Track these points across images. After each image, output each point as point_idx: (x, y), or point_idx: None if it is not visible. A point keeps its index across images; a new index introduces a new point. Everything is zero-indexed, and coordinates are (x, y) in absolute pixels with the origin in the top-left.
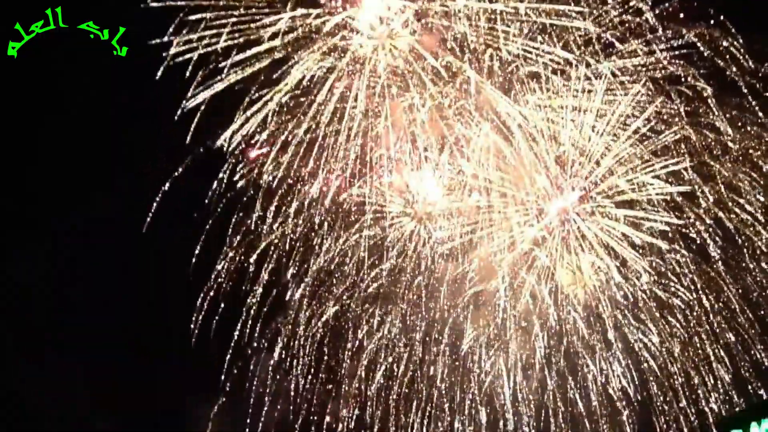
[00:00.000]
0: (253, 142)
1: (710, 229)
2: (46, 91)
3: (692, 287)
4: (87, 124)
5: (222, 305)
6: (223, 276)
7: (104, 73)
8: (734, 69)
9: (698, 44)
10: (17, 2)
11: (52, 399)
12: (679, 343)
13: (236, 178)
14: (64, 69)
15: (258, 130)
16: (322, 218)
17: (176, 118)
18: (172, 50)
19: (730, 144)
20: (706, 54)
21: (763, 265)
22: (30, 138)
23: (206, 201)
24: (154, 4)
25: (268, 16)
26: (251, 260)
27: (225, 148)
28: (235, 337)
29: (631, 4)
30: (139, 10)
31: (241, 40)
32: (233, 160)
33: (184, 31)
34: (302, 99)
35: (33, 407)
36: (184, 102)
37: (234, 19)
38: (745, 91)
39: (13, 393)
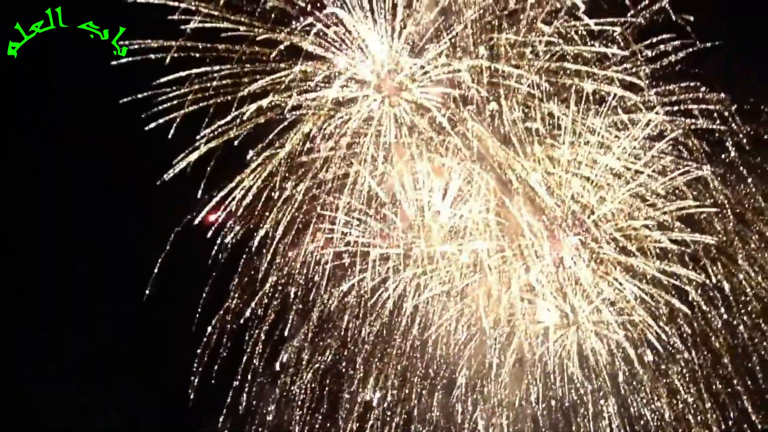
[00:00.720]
0: (214, 206)
1: (701, 279)
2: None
3: (683, 336)
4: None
5: (226, 341)
6: (229, 316)
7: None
8: (723, 127)
9: (688, 102)
10: (17, 2)
11: None
12: (669, 391)
13: (235, 231)
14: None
15: (265, 183)
16: (326, 262)
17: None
18: (190, 97)
19: (720, 198)
20: (695, 112)
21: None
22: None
23: (214, 247)
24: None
25: (274, 72)
26: (255, 302)
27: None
28: (239, 373)
29: (629, 64)
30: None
31: (248, 90)
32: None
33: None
34: (309, 147)
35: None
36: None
37: (231, 72)
38: (732, 149)
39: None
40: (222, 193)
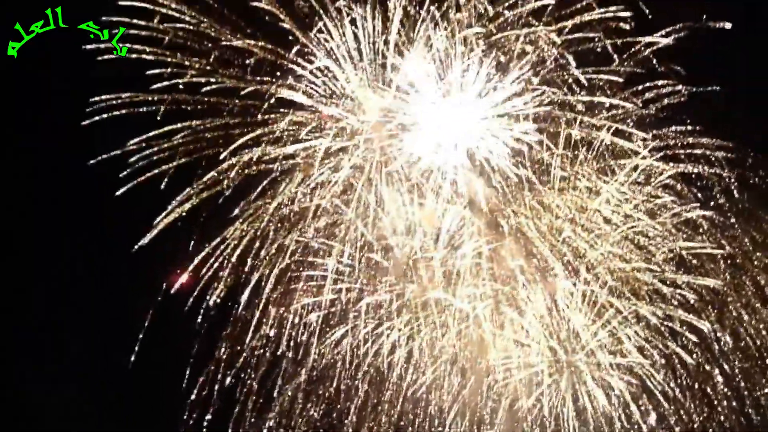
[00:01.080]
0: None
1: (697, 322)
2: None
3: (678, 379)
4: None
5: (217, 392)
6: (221, 367)
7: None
8: (711, 171)
9: (677, 147)
10: (17, 2)
11: None
12: None
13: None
14: None
15: (256, 234)
16: (318, 311)
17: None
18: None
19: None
20: (683, 156)
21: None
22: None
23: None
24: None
25: (264, 124)
26: (246, 353)
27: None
28: (232, 422)
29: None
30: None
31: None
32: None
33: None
34: (300, 197)
35: None
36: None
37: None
38: (719, 194)
39: None
40: (213, 244)
